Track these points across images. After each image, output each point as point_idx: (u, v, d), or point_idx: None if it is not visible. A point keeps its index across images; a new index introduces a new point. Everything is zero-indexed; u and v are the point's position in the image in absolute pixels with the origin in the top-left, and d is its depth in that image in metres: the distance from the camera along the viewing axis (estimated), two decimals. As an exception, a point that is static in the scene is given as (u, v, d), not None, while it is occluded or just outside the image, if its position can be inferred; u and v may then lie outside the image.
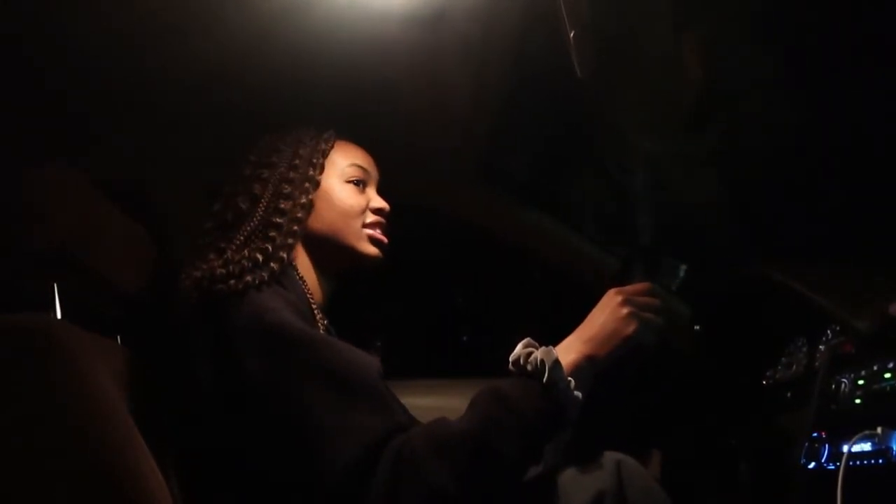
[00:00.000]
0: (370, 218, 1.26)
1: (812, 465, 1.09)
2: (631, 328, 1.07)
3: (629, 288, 1.12)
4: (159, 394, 1.07)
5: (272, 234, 1.15)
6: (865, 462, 1.01)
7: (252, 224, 1.15)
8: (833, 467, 1.05)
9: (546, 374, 0.99)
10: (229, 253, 1.11)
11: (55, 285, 1.12)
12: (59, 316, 1.12)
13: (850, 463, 1.00)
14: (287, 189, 1.19)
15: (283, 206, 1.17)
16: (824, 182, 1.56)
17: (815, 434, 1.11)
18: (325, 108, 1.34)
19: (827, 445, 1.09)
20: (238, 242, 1.13)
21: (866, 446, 1.01)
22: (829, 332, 1.23)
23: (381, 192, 1.32)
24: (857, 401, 1.06)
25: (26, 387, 0.90)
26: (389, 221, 1.29)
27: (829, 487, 0.98)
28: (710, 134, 1.63)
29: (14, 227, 1.09)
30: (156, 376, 1.09)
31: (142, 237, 1.27)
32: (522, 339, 1.06)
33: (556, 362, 1.00)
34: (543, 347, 1.03)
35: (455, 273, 2.27)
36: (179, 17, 1.22)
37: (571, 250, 1.83)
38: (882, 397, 1.02)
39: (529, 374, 1.01)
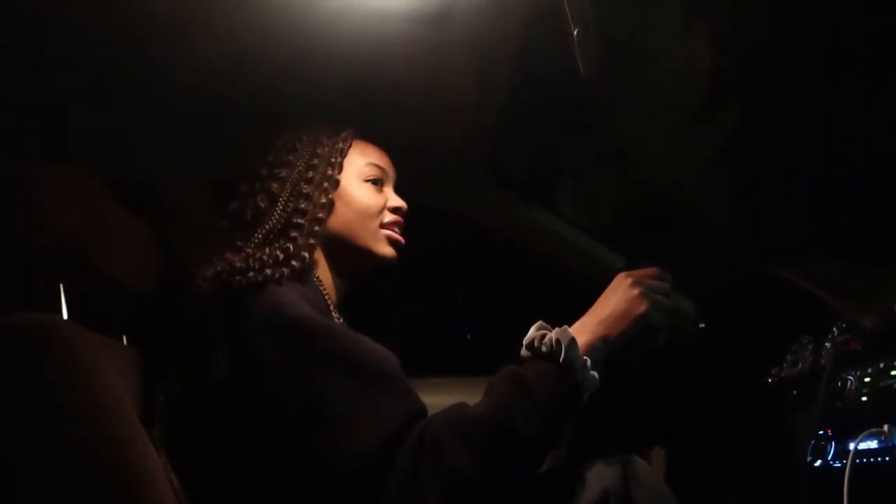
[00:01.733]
0: (388, 217, 1.26)
1: (818, 463, 1.09)
2: (642, 308, 1.08)
3: (638, 271, 1.13)
4: (166, 392, 1.07)
5: (293, 234, 1.14)
6: (872, 460, 1.01)
7: (271, 223, 1.15)
8: (839, 465, 1.05)
9: (563, 354, 0.99)
10: (249, 250, 1.11)
11: (61, 285, 1.12)
12: (65, 316, 1.12)
13: (857, 461, 0.99)
14: (306, 189, 1.18)
15: (302, 206, 1.17)
16: (831, 179, 1.56)
17: (821, 432, 1.11)
18: (328, 106, 1.34)
19: (833, 443, 1.08)
20: (258, 241, 1.13)
21: (873, 444, 1.01)
22: (834, 329, 1.23)
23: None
24: (864, 398, 1.06)
25: (33, 387, 0.89)
26: (406, 220, 1.29)
27: (835, 485, 0.98)
28: (715, 130, 1.62)
29: (18, 228, 1.09)
30: (163, 375, 1.09)
31: (146, 236, 1.27)
32: (525, 337, 1.06)
33: (573, 341, 1.01)
34: (558, 328, 1.04)
35: (457, 272, 2.27)
36: (181, 17, 1.22)
37: (574, 249, 1.83)
38: (888, 395, 1.02)
39: (545, 356, 1.01)
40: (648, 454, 1.60)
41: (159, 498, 0.90)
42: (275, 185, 1.18)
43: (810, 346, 1.30)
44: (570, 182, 1.90)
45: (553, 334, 1.02)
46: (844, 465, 0.99)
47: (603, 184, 1.89)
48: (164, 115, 1.40)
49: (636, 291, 1.09)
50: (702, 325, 1.58)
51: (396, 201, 1.28)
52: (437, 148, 1.63)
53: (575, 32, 1.18)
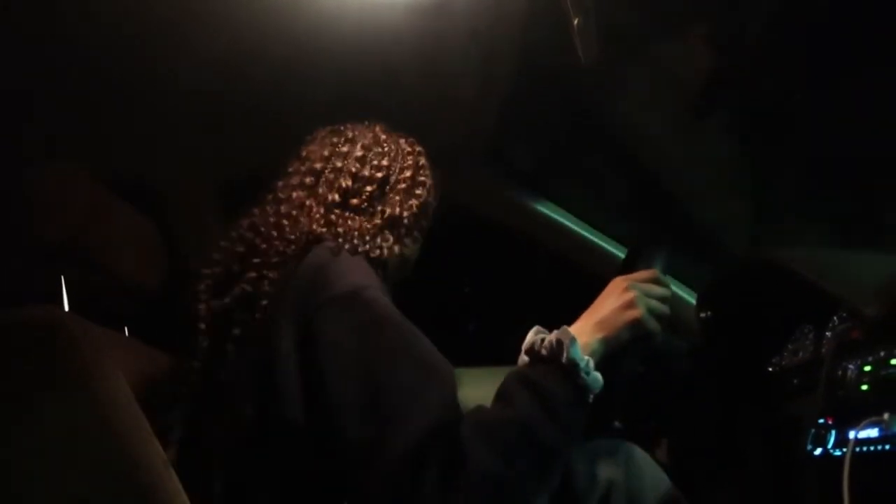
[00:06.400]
0: None
1: (819, 451, 1.10)
2: (636, 313, 1.06)
3: (635, 274, 1.12)
4: (169, 385, 1.08)
5: (401, 228, 1.17)
6: (872, 448, 1.01)
7: (364, 207, 1.16)
8: (840, 453, 1.05)
9: (565, 353, 0.99)
10: (338, 219, 1.12)
11: (62, 278, 1.13)
12: (66, 308, 1.13)
13: (857, 449, 1.00)
14: (420, 194, 1.22)
15: (411, 203, 1.19)
16: (833, 168, 1.55)
17: (821, 420, 1.11)
18: (330, 99, 1.34)
19: (834, 431, 1.09)
20: (347, 214, 1.14)
21: (873, 432, 1.01)
22: (835, 318, 1.23)
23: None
24: (864, 387, 1.06)
25: (36, 379, 0.90)
26: None
27: (835, 473, 0.98)
28: (716, 118, 1.62)
29: (20, 222, 1.10)
30: (168, 369, 1.10)
31: (146, 231, 1.27)
32: (529, 327, 1.06)
33: (574, 341, 1.00)
34: (557, 330, 1.03)
35: (462, 262, 2.27)
36: (182, 14, 1.22)
37: (577, 239, 1.83)
38: (889, 383, 1.02)
39: (546, 359, 1.01)
40: (653, 445, 1.60)
41: (162, 486, 0.90)
42: (376, 174, 1.19)
43: (811, 335, 1.31)
44: (572, 172, 1.90)
45: (553, 336, 1.01)
46: (845, 454, 0.99)
47: (605, 174, 1.89)
48: (167, 112, 1.40)
49: (630, 296, 1.07)
50: (703, 315, 1.58)
51: None
52: (440, 137, 1.63)
53: (575, 21, 1.18)
